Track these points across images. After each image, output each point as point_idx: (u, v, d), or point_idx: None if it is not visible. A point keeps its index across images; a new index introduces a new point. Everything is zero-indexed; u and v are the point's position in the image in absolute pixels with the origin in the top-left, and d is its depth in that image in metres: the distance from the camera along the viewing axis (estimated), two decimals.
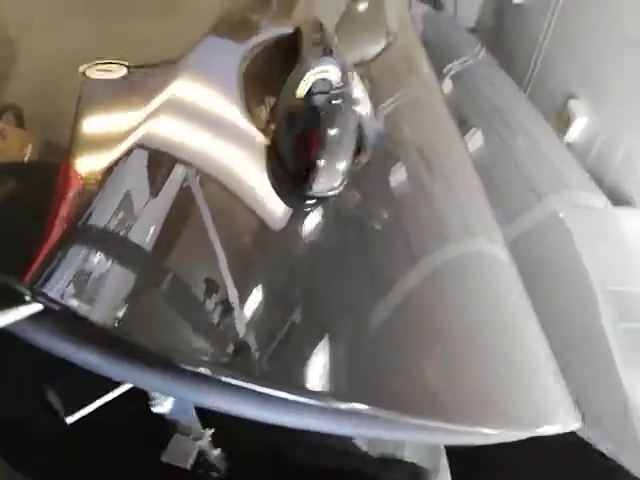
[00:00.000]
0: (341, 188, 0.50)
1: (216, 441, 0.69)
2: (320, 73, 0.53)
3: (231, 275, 0.44)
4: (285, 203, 0.50)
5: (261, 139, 0.53)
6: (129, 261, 0.43)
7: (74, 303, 0.40)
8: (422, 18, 1.15)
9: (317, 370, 0.42)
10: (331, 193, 0.50)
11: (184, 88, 0.56)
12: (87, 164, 0.49)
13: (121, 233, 0.44)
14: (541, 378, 0.50)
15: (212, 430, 0.67)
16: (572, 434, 0.49)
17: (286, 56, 0.60)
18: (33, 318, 0.40)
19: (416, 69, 0.84)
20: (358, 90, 0.60)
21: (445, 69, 1.04)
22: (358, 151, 0.55)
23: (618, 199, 1.24)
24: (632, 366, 0.65)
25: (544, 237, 0.79)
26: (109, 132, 0.53)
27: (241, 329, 0.42)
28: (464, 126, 0.90)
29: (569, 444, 0.53)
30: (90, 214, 0.45)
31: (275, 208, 0.50)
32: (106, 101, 0.56)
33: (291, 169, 0.50)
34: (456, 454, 0.75)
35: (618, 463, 0.55)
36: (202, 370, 0.39)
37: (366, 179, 0.55)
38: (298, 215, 0.50)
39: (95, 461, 0.78)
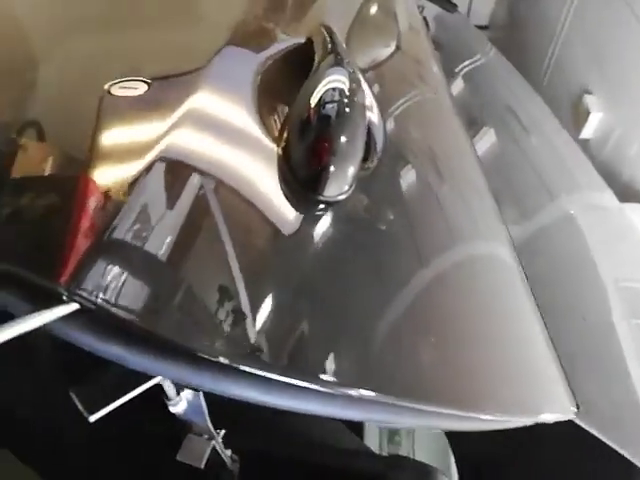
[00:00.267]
0: (350, 192, 0.53)
1: (227, 442, 0.71)
2: (331, 83, 0.56)
3: (248, 273, 0.47)
4: (296, 208, 0.52)
5: (274, 148, 0.55)
6: (156, 262, 0.46)
7: (108, 302, 0.43)
8: (433, 19, 1.15)
9: (328, 360, 0.45)
10: (340, 198, 0.52)
11: (204, 100, 0.59)
12: (108, 175, 0.52)
13: (147, 237, 0.47)
14: (539, 366, 0.53)
15: (224, 431, 0.69)
16: (584, 433, 0.51)
17: (300, 65, 0.62)
18: (66, 316, 0.43)
19: (426, 72, 0.86)
20: (368, 97, 0.61)
21: (457, 69, 1.05)
22: (367, 156, 0.57)
23: (634, 194, 1.23)
24: None
25: (557, 236, 0.80)
26: (129, 144, 0.56)
27: (259, 323, 0.45)
28: (476, 125, 0.91)
29: (580, 443, 0.55)
30: (121, 215, 0.48)
31: (288, 212, 0.52)
32: (126, 113, 0.59)
33: (302, 176, 0.52)
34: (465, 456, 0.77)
35: (633, 463, 0.55)
36: (222, 360, 0.43)
37: (375, 183, 0.58)
38: (309, 218, 0.53)
39: (112, 460, 0.82)
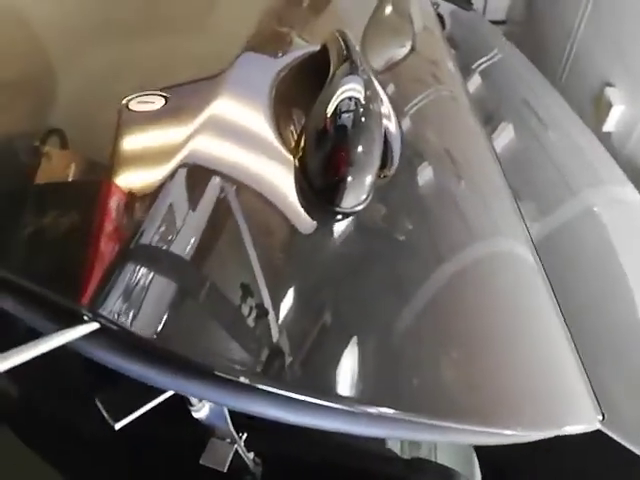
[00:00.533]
0: (368, 202, 0.52)
1: (250, 445, 0.72)
2: (347, 92, 0.55)
3: (267, 291, 0.47)
4: (314, 218, 0.52)
5: (291, 159, 0.55)
6: (176, 282, 0.47)
7: (130, 323, 0.44)
8: (449, 16, 1.14)
9: (345, 375, 0.45)
10: (358, 208, 0.52)
11: (224, 107, 0.59)
12: (131, 182, 0.53)
13: (170, 250, 0.48)
14: (563, 377, 0.52)
15: (245, 435, 0.70)
16: (608, 439, 0.50)
17: (316, 72, 0.62)
18: (89, 335, 0.44)
19: (442, 73, 0.85)
20: (384, 104, 0.61)
21: (474, 65, 1.04)
22: (384, 164, 0.57)
23: None
24: None
25: (579, 232, 0.79)
26: (151, 151, 0.57)
27: (275, 338, 0.45)
28: (494, 121, 0.90)
29: (604, 449, 0.54)
30: (141, 233, 0.48)
31: (305, 222, 0.52)
32: (147, 121, 0.59)
33: (319, 187, 0.52)
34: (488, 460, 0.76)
35: None
36: (242, 380, 0.43)
37: (392, 191, 0.57)
38: (327, 229, 0.52)
39: (137, 464, 0.83)
